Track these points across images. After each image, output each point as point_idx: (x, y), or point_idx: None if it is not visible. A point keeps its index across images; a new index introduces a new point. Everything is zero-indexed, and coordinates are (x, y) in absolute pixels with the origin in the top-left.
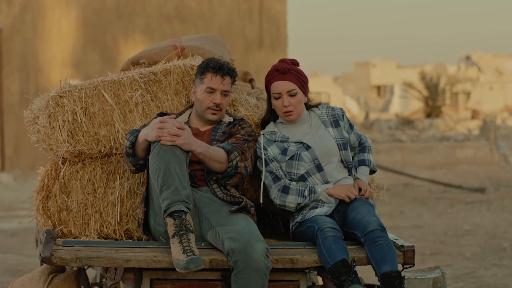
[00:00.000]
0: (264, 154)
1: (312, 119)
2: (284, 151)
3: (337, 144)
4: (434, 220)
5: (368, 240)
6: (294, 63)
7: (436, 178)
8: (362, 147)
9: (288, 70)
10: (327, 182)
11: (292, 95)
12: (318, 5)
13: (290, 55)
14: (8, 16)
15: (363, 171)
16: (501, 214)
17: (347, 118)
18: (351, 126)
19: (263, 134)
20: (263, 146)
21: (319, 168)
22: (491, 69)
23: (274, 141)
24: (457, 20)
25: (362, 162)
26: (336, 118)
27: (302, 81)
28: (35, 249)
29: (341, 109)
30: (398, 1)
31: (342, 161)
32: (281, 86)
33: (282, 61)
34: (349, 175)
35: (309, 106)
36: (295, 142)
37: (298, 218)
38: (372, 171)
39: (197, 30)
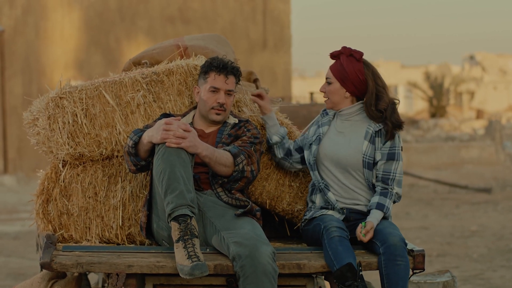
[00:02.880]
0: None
1: (360, 123)
2: (309, 136)
3: (363, 160)
4: (440, 221)
5: (387, 254)
6: (354, 55)
7: (441, 178)
8: (384, 188)
9: (335, 59)
10: (326, 186)
11: (327, 83)
12: (321, 6)
13: (294, 56)
14: (11, 18)
15: (377, 215)
16: (507, 215)
17: (394, 151)
18: (390, 157)
19: (323, 112)
20: (314, 122)
21: (312, 167)
22: (495, 69)
23: (319, 123)
24: (460, 20)
25: (380, 207)
26: (378, 136)
27: (343, 76)
28: (36, 253)
29: (399, 141)
30: (401, 1)
31: (364, 176)
32: (326, 71)
33: (343, 47)
34: (369, 190)
35: (371, 115)
36: (315, 134)
37: (308, 216)
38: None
39: (200, 31)
